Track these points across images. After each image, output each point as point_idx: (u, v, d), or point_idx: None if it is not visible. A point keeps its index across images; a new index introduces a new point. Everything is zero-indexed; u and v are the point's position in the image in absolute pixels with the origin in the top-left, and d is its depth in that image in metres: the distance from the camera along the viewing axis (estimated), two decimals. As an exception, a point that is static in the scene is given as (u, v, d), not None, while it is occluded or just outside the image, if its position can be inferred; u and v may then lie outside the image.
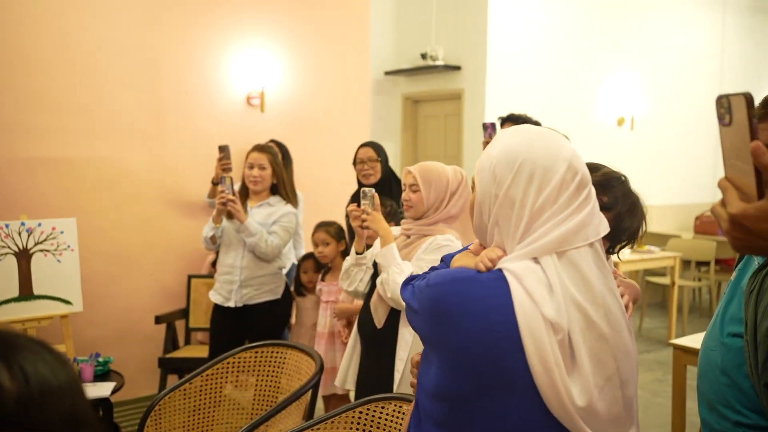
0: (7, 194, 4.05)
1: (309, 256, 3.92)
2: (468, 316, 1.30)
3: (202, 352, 4.09)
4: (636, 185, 1.78)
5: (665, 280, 6.96)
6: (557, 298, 1.26)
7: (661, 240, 7.34)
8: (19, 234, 3.56)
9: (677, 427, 3.27)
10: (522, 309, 1.26)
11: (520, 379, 1.27)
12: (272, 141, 4.65)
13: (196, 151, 4.70)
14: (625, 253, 6.26)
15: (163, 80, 4.61)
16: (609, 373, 1.29)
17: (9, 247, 3.52)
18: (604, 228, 1.37)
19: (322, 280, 3.78)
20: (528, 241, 1.31)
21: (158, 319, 4.31)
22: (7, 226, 3.55)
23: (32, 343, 0.69)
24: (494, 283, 1.31)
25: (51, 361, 0.67)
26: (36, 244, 3.59)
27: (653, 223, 8.19)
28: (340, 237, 3.76)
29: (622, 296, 1.39)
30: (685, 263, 7.18)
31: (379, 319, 2.68)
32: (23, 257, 3.55)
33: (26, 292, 3.52)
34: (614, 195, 1.70)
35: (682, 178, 8.82)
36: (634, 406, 1.36)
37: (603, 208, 1.49)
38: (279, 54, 5.13)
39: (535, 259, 1.31)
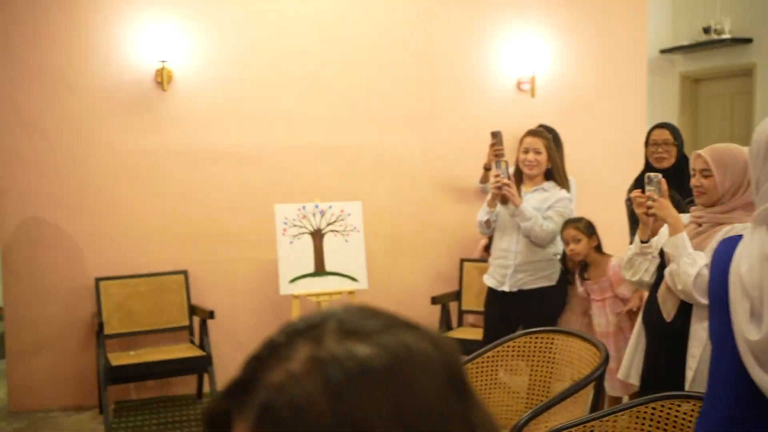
0: (299, 179, 4.49)
1: None
2: (714, 268, 1.80)
3: (474, 334, 4.17)
4: None
5: None
6: (751, 261, 1.61)
7: None
8: (313, 215, 3.94)
9: None
10: (734, 265, 1.66)
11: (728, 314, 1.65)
12: (541, 126, 4.58)
13: (468, 137, 4.79)
14: None
15: (436, 69, 4.78)
16: None
17: (305, 227, 3.91)
18: None
19: (584, 279, 3.62)
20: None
21: (434, 300, 4.49)
22: (303, 207, 3.95)
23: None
24: (732, 245, 1.71)
25: None
26: (327, 225, 3.95)
27: None
28: (591, 232, 3.57)
29: None
30: None
31: (668, 312, 2.55)
32: (317, 236, 3.93)
33: (320, 269, 3.90)
34: None
35: None
36: None
37: None
38: (549, 37, 5.03)
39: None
